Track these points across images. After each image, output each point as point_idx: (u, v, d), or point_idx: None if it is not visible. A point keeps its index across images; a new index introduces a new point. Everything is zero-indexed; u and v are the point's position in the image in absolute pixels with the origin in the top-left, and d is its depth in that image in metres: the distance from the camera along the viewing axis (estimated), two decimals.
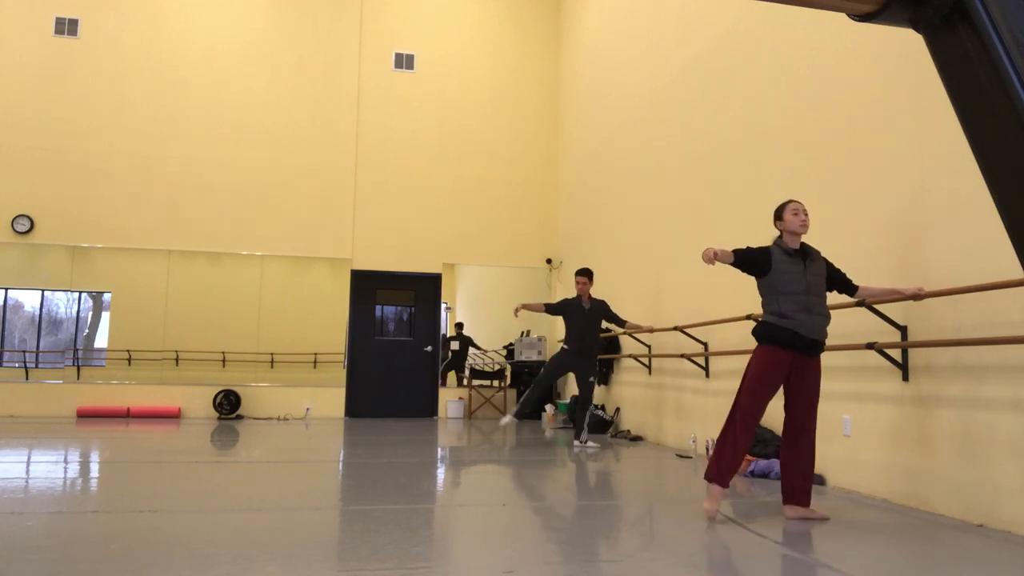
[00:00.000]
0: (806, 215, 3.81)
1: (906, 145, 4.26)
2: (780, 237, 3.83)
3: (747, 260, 3.76)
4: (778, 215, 3.86)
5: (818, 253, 3.86)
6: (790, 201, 3.86)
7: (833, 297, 4.01)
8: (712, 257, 3.57)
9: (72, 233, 10.19)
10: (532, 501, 4.30)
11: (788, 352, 3.68)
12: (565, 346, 7.19)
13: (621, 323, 7.20)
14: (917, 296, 3.86)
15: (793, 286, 3.68)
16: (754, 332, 3.81)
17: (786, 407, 3.80)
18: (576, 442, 7.04)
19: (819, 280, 3.77)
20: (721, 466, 3.70)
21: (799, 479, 3.74)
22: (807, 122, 5.24)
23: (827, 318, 3.75)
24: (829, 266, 3.88)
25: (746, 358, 5.78)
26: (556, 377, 7.58)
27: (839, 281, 3.91)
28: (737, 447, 3.69)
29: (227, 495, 4.22)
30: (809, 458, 3.76)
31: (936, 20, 1.61)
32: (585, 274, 7.22)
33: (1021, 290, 3.40)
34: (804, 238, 3.89)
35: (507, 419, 7.46)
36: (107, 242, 10.30)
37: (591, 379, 7.12)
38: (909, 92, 4.25)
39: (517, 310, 7.32)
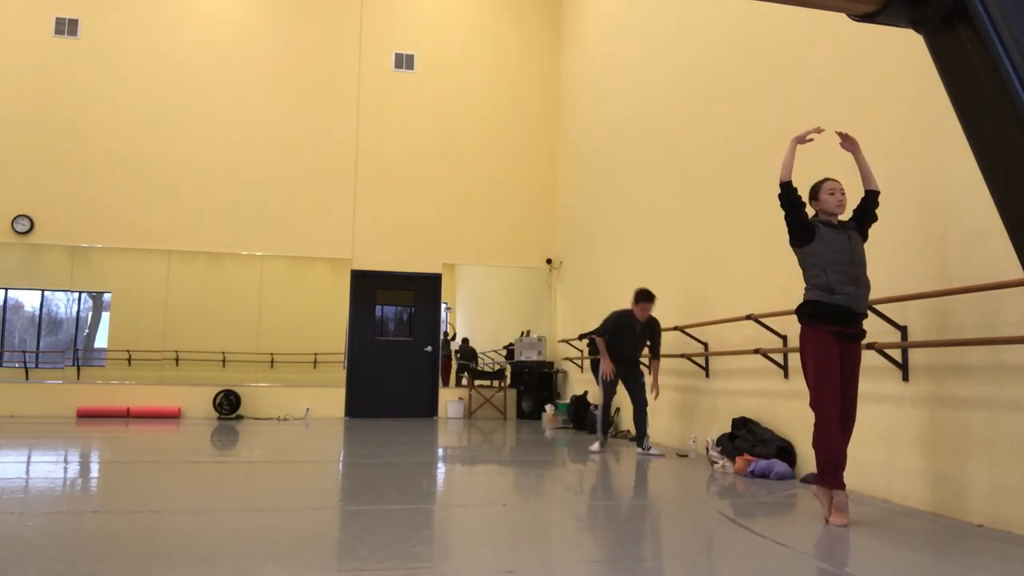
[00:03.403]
0: (843, 194, 3.74)
1: (906, 145, 4.26)
2: (816, 216, 3.77)
3: (795, 220, 3.67)
4: (813, 195, 3.78)
5: (852, 223, 3.78)
6: (826, 180, 3.78)
7: None
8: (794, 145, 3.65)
9: (72, 233, 10.19)
10: (532, 501, 4.30)
11: (835, 330, 3.59)
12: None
13: (657, 355, 6.76)
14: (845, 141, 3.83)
15: (839, 255, 3.60)
16: (800, 311, 3.71)
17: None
18: (639, 449, 6.57)
19: (861, 249, 3.69)
20: (822, 468, 3.59)
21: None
22: (806, 122, 5.24)
23: (869, 288, 3.67)
24: (858, 222, 3.79)
25: (746, 358, 5.82)
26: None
27: (865, 211, 3.79)
28: (831, 445, 3.56)
29: (227, 495, 4.22)
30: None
31: (936, 20, 1.61)
32: (647, 299, 6.70)
33: (1021, 290, 3.40)
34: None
35: (595, 446, 6.88)
36: (107, 242, 10.30)
37: (641, 380, 6.75)
38: (909, 92, 4.25)
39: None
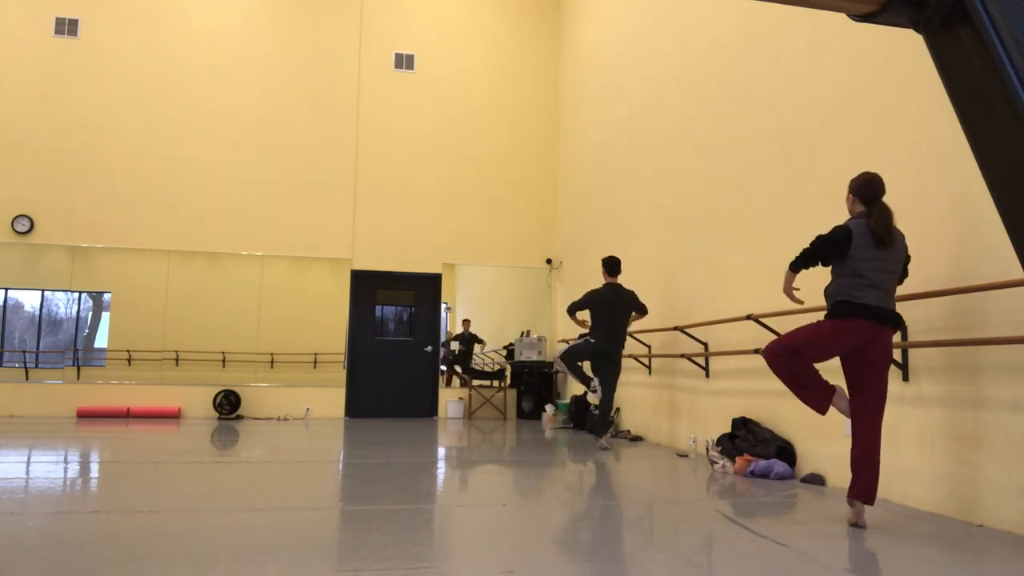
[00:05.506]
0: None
1: (906, 144, 4.26)
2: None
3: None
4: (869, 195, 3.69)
5: None
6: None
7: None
8: None
9: (72, 233, 10.19)
10: (532, 501, 4.30)
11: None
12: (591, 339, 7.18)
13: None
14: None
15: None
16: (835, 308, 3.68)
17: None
18: (600, 440, 7.01)
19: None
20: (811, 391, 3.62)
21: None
22: (807, 121, 5.24)
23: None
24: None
25: (746, 358, 5.82)
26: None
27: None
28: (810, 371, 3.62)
29: (227, 495, 4.22)
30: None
31: (936, 20, 1.61)
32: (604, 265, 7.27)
33: (1021, 290, 3.40)
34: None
35: (602, 442, 7.01)
36: (107, 242, 10.30)
37: (611, 380, 7.12)
38: (909, 92, 4.25)
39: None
